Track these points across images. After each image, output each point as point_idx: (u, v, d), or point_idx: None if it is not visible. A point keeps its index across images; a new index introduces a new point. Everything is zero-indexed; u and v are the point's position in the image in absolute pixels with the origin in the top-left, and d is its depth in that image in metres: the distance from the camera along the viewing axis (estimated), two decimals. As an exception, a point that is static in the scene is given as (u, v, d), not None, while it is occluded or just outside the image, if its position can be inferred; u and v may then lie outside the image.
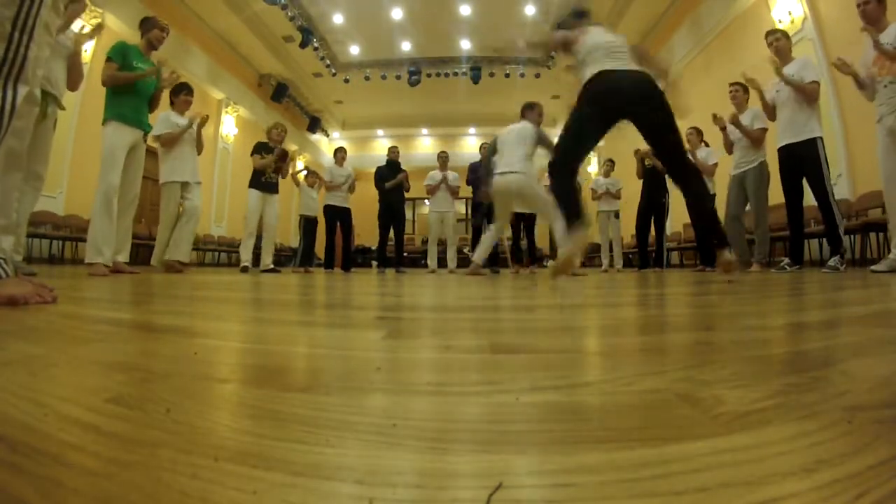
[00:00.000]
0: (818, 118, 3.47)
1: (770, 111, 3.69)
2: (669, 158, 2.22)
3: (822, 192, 3.34)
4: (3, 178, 2.21)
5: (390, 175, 5.75)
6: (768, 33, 3.77)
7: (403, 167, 5.90)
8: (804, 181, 3.50)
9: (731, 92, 4.26)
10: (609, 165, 6.10)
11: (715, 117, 4.12)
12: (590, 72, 2.22)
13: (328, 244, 5.73)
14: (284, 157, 4.87)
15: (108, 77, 3.03)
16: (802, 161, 3.43)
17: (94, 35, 2.88)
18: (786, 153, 3.53)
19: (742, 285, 1.96)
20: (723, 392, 0.36)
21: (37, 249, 5.84)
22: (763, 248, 4.07)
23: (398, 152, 5.96)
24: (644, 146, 5.21)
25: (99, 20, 6.26)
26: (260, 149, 4.72)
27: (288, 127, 12.39)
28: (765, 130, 4.01)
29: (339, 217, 5.77)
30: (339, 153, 5.93)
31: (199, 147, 4.17)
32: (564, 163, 2.29)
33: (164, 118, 3.99)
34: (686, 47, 8.11)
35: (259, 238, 4.94)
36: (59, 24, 2.52)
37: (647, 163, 5.09)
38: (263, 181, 4.66)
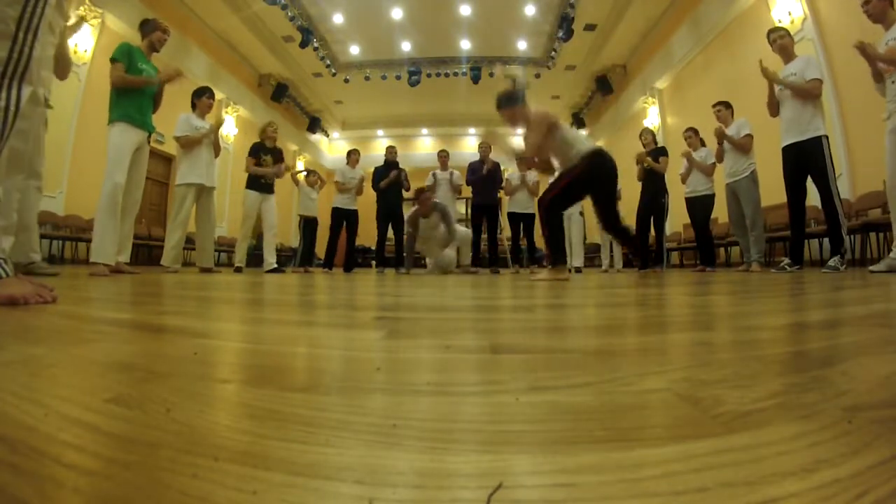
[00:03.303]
0: (822, 116, 3.43)
1: (774, 107, 3.67)
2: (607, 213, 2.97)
3: (826, 191, 3.32)
4: (6, 180, 2.20)
5: (388, 175, 5.75)
6: (771, 31, 3.74)
7: (403, 167, 5.89)
8: (808, 181, 3.48)
9: (715, 112, 4.53)
10: None
11: (717, 132, 4.39)
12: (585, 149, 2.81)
13: (330, 245, 5.72)
14: (281, 158, 4.92)
15: (118, 78, 3.04)
16: (808, 159, 3.40)
17: (77, 28, 2.88)
18: (791, 152, 3.50)
19: (742, 285, 1.96)
20: (723, 392, 0.36)
21: (37, 249, 5.84)
22: (759, 247, 4.22)
23: (396, 152, 5.94)
24: (641, 149, 5.28)
25: (83, 14, 6.25)
26: (257, 150, 4.71)
27: (288, 127, 12.50)
28: (751, 137, 4.24)
29: (345, 219, 5.77)
30: (353, 155, 5.94)
31: (217, 150, 4.19)
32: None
33: (184, 120, 3.98)
34: (686, 47, 8.11)
35: (259, 238, 4.96)
36: (63, 25, 2.52)
37: (645, 165, 5.11)
38: (262, 182, 4.68)
